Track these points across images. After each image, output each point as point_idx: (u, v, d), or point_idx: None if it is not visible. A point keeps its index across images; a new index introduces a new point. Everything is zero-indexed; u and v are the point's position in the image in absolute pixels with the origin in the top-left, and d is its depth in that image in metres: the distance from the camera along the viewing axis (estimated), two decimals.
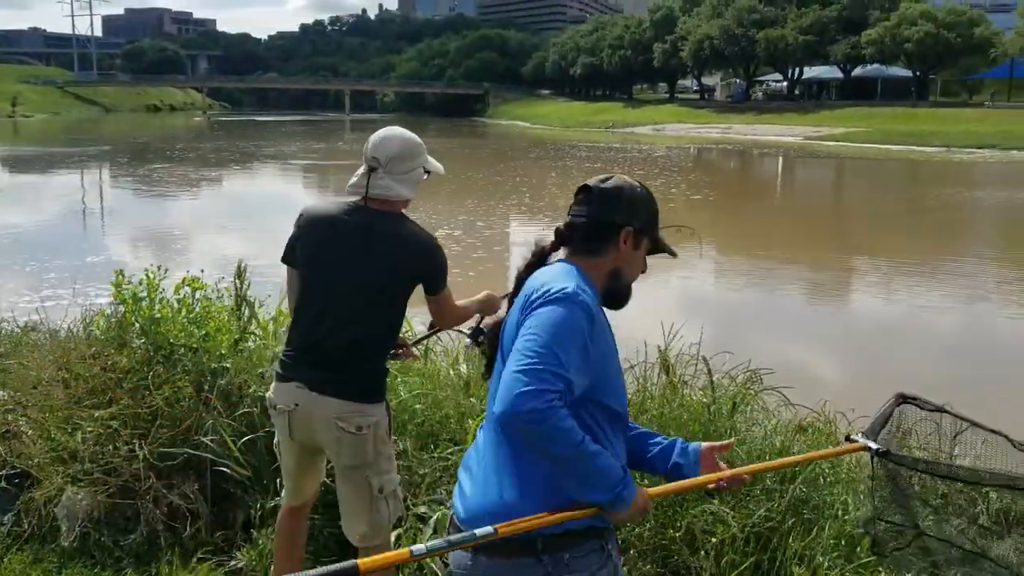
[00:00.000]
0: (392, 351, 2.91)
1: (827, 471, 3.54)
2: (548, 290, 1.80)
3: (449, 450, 3.57)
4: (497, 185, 27.20)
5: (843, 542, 3.09)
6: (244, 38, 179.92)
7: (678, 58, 73.00)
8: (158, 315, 3.87)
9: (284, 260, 2.81)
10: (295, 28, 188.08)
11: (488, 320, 3.03)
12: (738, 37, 66.04)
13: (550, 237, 2.02)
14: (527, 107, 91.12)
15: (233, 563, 3.32)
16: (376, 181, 2.66)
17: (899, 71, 63.74)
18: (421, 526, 3.14)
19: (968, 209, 22.18)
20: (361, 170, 2.71)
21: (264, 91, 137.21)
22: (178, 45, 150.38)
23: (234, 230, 17.32)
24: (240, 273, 4.14)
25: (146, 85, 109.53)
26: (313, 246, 2.71)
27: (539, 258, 1.99)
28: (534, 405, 1.61)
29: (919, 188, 28.83)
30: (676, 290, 12.15)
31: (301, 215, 2.77)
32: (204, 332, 3.90)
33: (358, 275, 2.65)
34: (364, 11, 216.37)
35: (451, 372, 4.24)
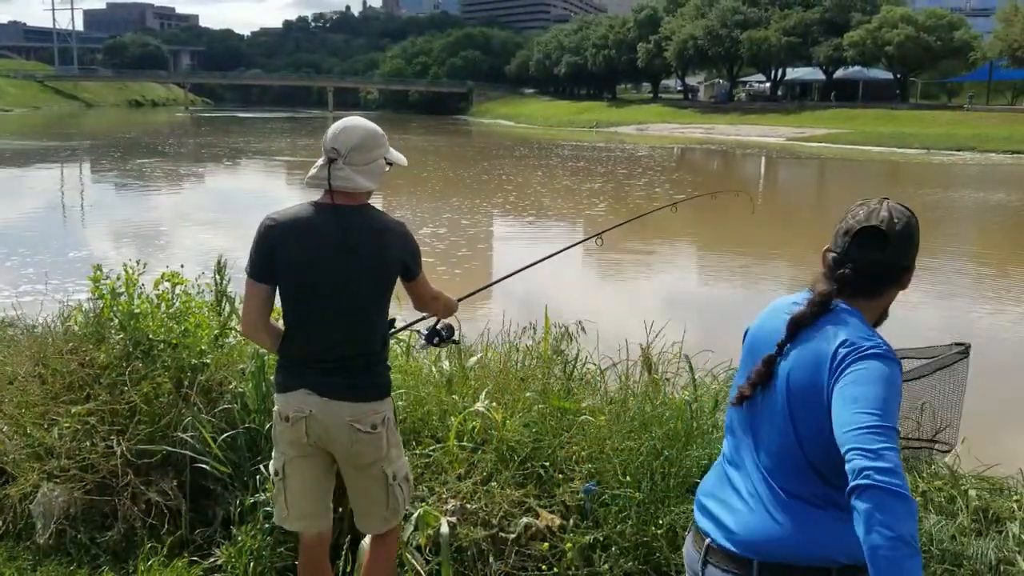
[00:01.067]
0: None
1: None
2: (859, 345, 1.74)
3: (431, 447, 3.56)
4: (482, 183, 27.17)
5: None
6: (227, 34, 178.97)
7: (662, 58, 73.19)
8: (137, 310, 3.83)
9: (255, 275, 2.65)
10: (279, 24, 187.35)
11: (444, 321, 3.10)
12: (722, 38, 66.30)
13: (819, 283, 1.92)
14: (511, 106, 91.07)
15: (212, 560, 3.29)
16: (336, 172, 2.60)
17: (880, 73, 64.24)
18: (403, 523, 3.12)
19: (945, 210, 22.37)
20: (320, 161, 2.65)
21: (247, 88, 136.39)
22: (160, 40, 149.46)
23: (218, 226, 17.20)
24: (220, 268, 4.11)
25: (128, 80, 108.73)
26: (299, 254, 2.62)
27: (824, 307, 1.85)
28: (901, 477, 1.51)
29: (899, 189, 29.02)
30: (660, 289, 12.19)
31: (270, 226, 2.63)
32: (184, 328, 3.86)
33: (352, 274, 2.63)
34: (348, 8, 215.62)
35: (433, 369, 4.22)
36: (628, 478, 3.37)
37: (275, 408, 2.74)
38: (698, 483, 3.40)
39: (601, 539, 3.22)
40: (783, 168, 37.86)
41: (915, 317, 10.30)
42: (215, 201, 23.00)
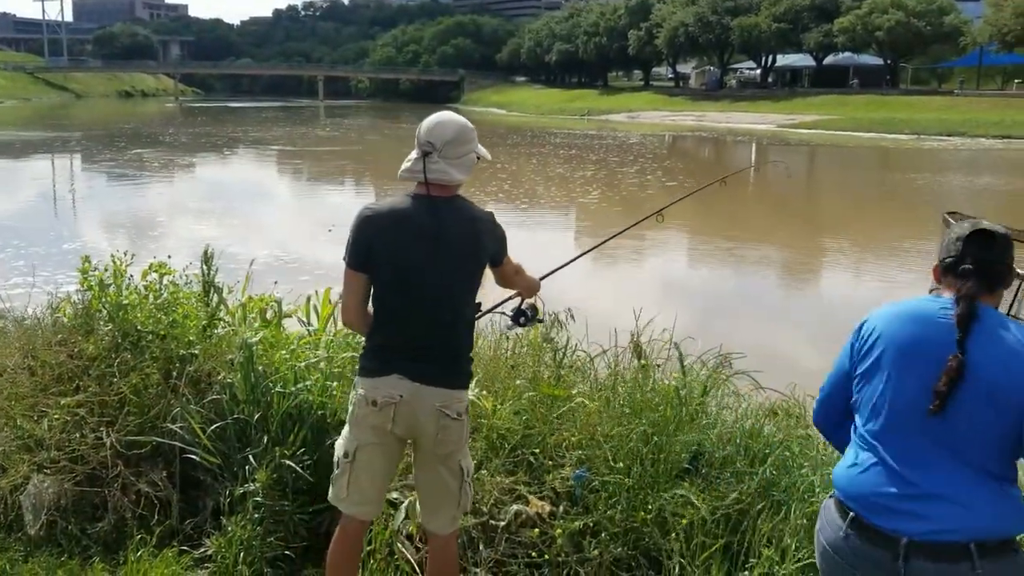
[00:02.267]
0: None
1: (796, 453, 3.57)
2: None
3: None
4: (476, 172, 27.10)
5: (811, 523, 3.11)
6: (216, 23, 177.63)
7: (653, 45, 73.07)
8: (125, 301, 3.82)
9: (354, 264, 2.72)
10: (268, 13, 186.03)
11: (528, 301, 3.18)
12: (712, 24, 66.19)
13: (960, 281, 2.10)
14: (502, 94, 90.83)
15: (202, 550, 3.30)
16: (431, 166, 2.67)
17: (870, 59, 64.22)
18: (392, 512, 3.13)
19: (935, 194, 22.44)
20: (414, 155, 2.71)
21: (237, 77, 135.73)
22: (150, 30, 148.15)
23: (214, 215, 17.10)
24: (207, 259, 4.10)
25: (117, 71, 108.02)
26: (397, 244, 2.68)
27: (975, 305, 2.05)
28: None
29: (890, 175, 29.10)
30: (650, 276, 12.22)
31: (369, 216, 2.69)
32: (172, 319, 3.86)
33: (448, 264, 2.70)
34: None
35: None
36: (618, 464, 3.38)
37: (359, 392, 2.75)
38: (688, 468, 3.45)
39: (591, 525, 3.23)
40: (774, 155, 37.86)
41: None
42: (211, 190, 22.88)
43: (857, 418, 2.18)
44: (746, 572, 2.97)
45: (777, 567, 2.93)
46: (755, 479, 3.31)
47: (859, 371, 2.16)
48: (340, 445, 2.81)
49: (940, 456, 2.01)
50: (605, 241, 4.23)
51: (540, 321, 3.37)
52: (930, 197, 21.75)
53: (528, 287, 3.14)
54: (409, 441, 2.81)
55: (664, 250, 13.99)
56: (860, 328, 2.20)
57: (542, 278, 3.27)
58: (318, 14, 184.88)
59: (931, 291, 2.22)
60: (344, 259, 2.74)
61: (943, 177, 27.12)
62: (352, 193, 23.58)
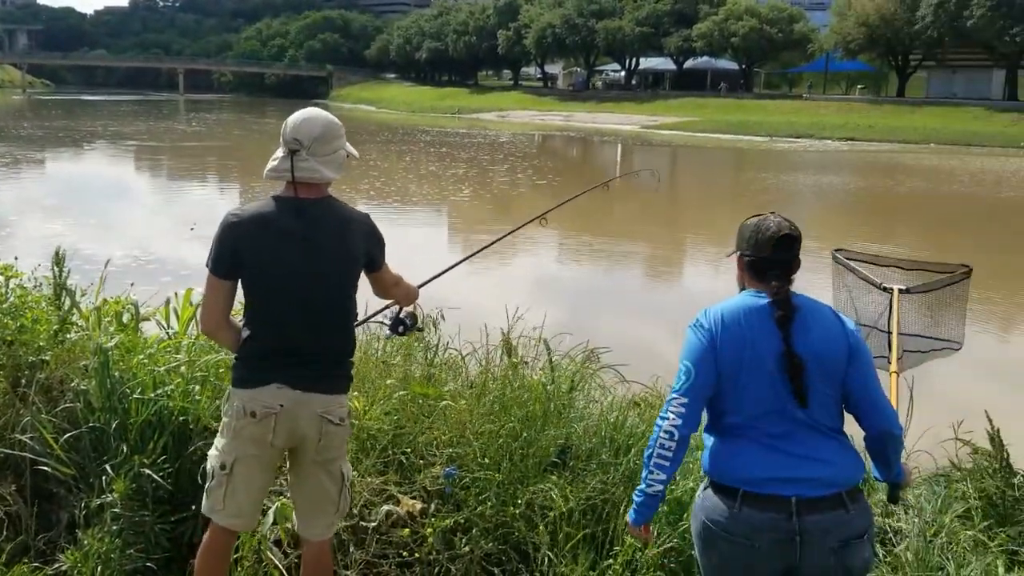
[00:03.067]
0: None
1: None
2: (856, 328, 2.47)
3: None
4: (347, 169, 26.72)
5: (671, 510, 3.26)
6: (68, 12, 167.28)
7: (522, 46, 73.92)
8: None
9: (219, 271, 2.62)
10: (124, 3, 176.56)
11: (407, 309, 3.12)
12: (578, 27, 67.59)
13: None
14: (372, 90, 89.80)
15: (57, 566, 3.14)
16: (300, 164, 2.59)
17: (727, 64, 67.20)
18: (260, 518, 3.07)
19: (784, 191, 23.74)
20: (280, 153, 2.63)
21: (91, 69, 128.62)
22: None
23: (65, 214, 16.07)
24: (59, 260, 3.89)
25: None
26: (265, 249, 2.60)
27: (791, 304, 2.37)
28: None
29: (744, 174, 30.56)
30: (523, 274, 12.38)
31: (233, 222, 2.60)
32: (19, 324, 3.65)
33: (320, 268, 2.63)
34: None
35: None
36: (487, 460, 3.44)
37: (235, 404, 2.65)
38: (556, 462, 3.54)
39: (462, 522, 3.27)
40: (638, 154, 39.06)
41: None
42: (65, 187, 21.51)
43: (720, 409, 2.39)
44: (610, 560, 3.07)
45: (640, 553, 3.06)
46: (619, 469, 3.44)
47: (720, 367, 2.35)
48: (215, 456, 2.72)
49: (801, 427, 2.33)
50: (488, 245, 4.22)
51: (419, 330, 3.33)
52: (780, 195, 22.99)
53: (407, 296, 3.09)
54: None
55: (537, 249, 14.19)
56: (706, 325, 2.38)
57: (420, 286, 3.24)
58: (177, 5, 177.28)
59: (743, 288, 2.50)
60: (207, 266, 2.64)
61: (792, 177, 28.70)
62: (216, 190, 22.78)
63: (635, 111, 57.72)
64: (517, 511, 3.25)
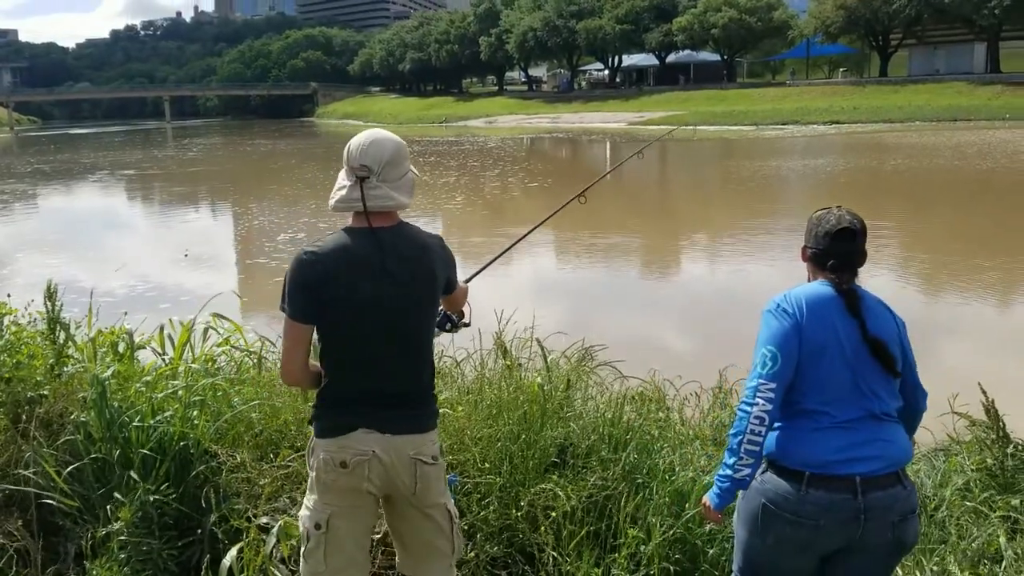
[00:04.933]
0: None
1: (656, 436, 3.75)
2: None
3: (290, 457, 3.52)
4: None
5: (672, 501, 3.29)
6: (50, 48, 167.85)
7: (504, 51, 74.18)
8: None
9: (298, 316, 2.42)
10: (105, 35, 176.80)
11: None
12: (559, 28, 67.82)
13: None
14: (358, 104, 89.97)
15: None
16: (371, 192, 2.41)
17: (709, 56, 67.42)
18: (264, 537, 3.09)
19: (775, 179, 23.80)
20: (346, 181, 2.45)
21: (77, 103, 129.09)
22: None
23: (62, 248, 16.05)
24: (51, 294, 3.92)
25: None
26: (347, 288, 2.39)
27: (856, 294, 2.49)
28: None
29: (734, 163, 30.59)
30: (511, 275, 12.40)
31: (310, 261, 2.39)
32: (16, 360, 3.67)
33: (404, 303, 2.46)
34: (179, 14, 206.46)
35: None
36: (488, 465, 3.46)
37: (320, 456, 2.46)
38: (555, 461, 3.57)
39: (466, 528, 3.29)
40: (627, 151, 39.11)
41: (762, 286, 10.97)
42: (60, 221, 21.50)
43: (792, 394, 2.43)
44: (615, 554, 3.10)
45: (643, 545, 3.08)
46: (619, 465, 3.46)
47: (803, 354, 2.42)
48: (307, 516, 2.51)
49: (867, 411, 2.42)
50: (527, 234, 4.19)
51: (467, 325, 3.15)
52: (774, 183, 23.05)
53: (464, 298, 2.94)
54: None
55: (526, 248, 14.22)
56: (790, 311, 2.45)
57: (467, 280, 3.12)
58: (159, 33, 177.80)
59: (812, 278, 2.59)
60: (283, 309, 2.44)
61: (783, 163, 28.77)
62: (208, 216, 22.80)
63: (621, 108, 57.90)
64: (520, 513, 3.26)
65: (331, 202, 2.47)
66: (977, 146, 30.54)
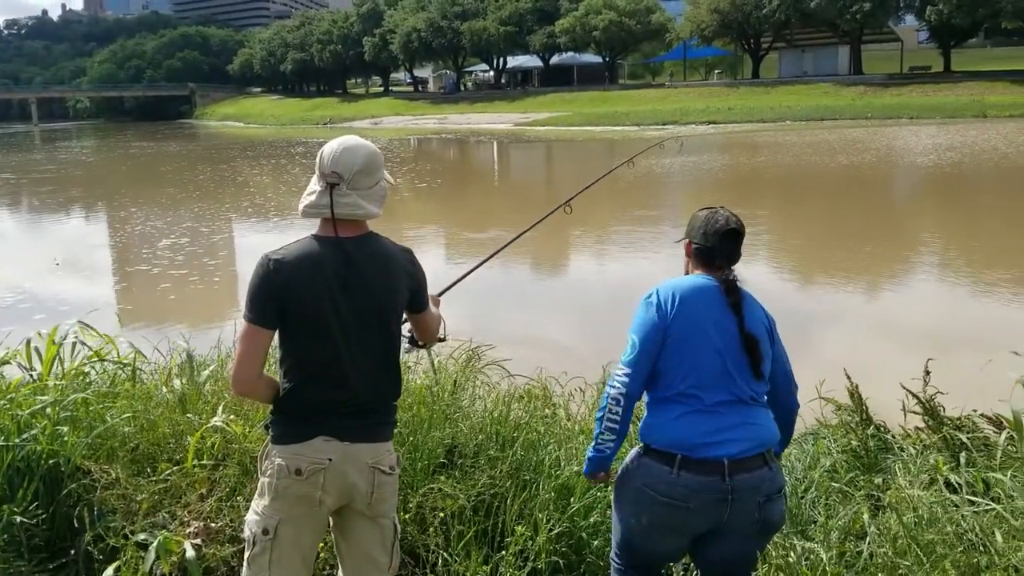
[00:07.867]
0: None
1: (542, 432, 3.82)
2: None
3: (168, 471, 3.42)
4: (223, 187, 26.00)
5: (558, 495, 3.35)
6: None
7: (388, 51, 73.64)
8: None
9: (258, 320, 2.36)
10: None
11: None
12: (444, 29, 67.84)
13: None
14: (238, 106, 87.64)
15: None
16: (340, 199, 2.38)
17: (591, 58, 68.80)
18: (142, 554, 2.98)
19: (654, 177, 24.51)
20: (317, 187, 2.42)
21: None
22: None
23: None
24: None
25: None
26: (310, 295, 2.36)
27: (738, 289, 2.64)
28: None
29: (618, 162, 31.28)
30: None
31: (275, 266, 2.35)
32: None
33: (372, 311, 2.44)
34: (45, 12, 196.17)
35: (164, 390, 4.04)
36: None
37: (276, 462, 2.42)
38: (444, 462, 3.59)
39: None
40: (513, 151, 39.48)
41: (642, 280, 11.27)
42: None
43: (663, 380, 2.57)
44: (503, 552, 3.13)
45: (531, 541, 3.13)
46: (506, 462, 3.50)
47: (668, 341, 2.55)
48: (255, 521, 2.46)
49: (737, 397, 2.55)
50: (515, 239, 4.19)
51: (442, 339, 3.05)
52: (650, 179, 23.72)
53: (437, 322, 2.86)
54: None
55: (416, 248, 14.20)
56: (658, 303, 2.57)
57: (440, 294, 3.11)
58: (24, 32, 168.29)
59: (690, 271, 2.74)
60: (245, 316, 2.38)
61: (665, 160, 29.63)
62: (81, 221, 21.74)
63: (507, 109, 58.41)
64: (408, 516, 3.27)
65: (300, 207, 2.45)
66: (829, 143, 32.32)
